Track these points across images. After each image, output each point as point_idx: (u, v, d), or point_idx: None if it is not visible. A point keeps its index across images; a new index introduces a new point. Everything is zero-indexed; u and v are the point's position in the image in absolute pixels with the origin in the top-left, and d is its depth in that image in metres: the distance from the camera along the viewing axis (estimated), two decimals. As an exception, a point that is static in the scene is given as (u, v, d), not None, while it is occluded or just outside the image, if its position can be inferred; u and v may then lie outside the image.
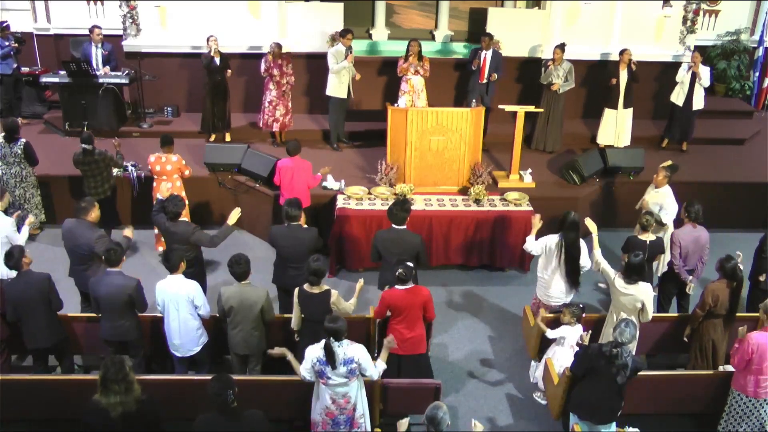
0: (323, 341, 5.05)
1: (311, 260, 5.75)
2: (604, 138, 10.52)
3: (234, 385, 4.56)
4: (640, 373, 5.48)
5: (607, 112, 10.42)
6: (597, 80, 10.59)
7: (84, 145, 7.98)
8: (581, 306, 6.34)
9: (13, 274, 6.86)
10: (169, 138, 8.13)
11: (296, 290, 5.86)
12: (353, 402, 5.26)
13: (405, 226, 6.77)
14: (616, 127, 10.42)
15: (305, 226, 6.80)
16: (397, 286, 5.85)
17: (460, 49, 11.75)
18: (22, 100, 10.89)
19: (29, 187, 8.70)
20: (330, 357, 5.00)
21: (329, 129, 10.40)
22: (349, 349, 5.06)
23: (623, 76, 10.15)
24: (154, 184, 8.22)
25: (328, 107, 10.24)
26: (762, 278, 7.03)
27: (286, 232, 6.67)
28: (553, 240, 6.71)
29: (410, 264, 5.89)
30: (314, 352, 5.10)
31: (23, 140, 8.49)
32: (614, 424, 5.54)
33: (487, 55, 10.10)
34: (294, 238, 6.63)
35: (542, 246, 6.76)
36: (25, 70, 11.04)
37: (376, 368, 5.23)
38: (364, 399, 5.39)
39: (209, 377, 5.71)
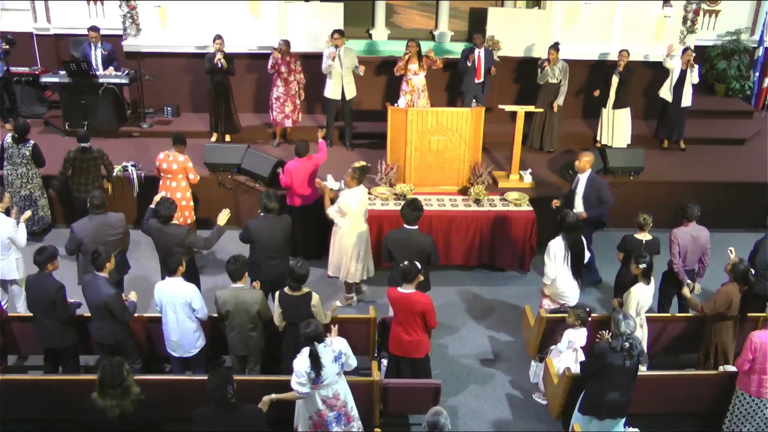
0: (306, 349, 5.03)
1: (295, 265, 5.76)
2: (600, 136, 10.60)
3: (232, 380, 4.59)
4: (643, 373, 5.51)
5: (602, 111, 10.50)
6: (596, 81, 10.57)
7: (83, 144, 8.00)
8: (588, 309, 6.31)
9: (10, 275, 6.88)
10: (180, 137, 8.08)
11: (277, 293, 5.88)
12: (343, 398, 5.27)
13: (416, 227, 6.77)
14: (608, 127, 10.45)
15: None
16: (399, 288, 5.84)
17: (458, 49, 11.72)
18: (21, 100, 10.86)
19: (36, 189, 8.67)
20: (315, 362, 4.98)
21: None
22: (335, 345, 5.12)
23: (615, 77, 10.17)
24: (160, 182, 8.21)
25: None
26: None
27: (261, 222, 6.74)
28: (559, 245, 6.70)
29: (418, 264, 5.85)
30: (303, 363, 5.05)
31: (32, 142, 8.50)
32: (623, 421, 5.57)
33: (480, 54, 10.11)
34: (270, 227, 6.69)
35: (553, 255, 6.72)
36: (25, 70, 11.03)
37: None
38: (349, 392, 5.40)
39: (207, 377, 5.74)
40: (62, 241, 7.41)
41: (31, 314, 6.19)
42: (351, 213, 7.29)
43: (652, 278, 6.34)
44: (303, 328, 5.03)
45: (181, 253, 6.07)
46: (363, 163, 7.75)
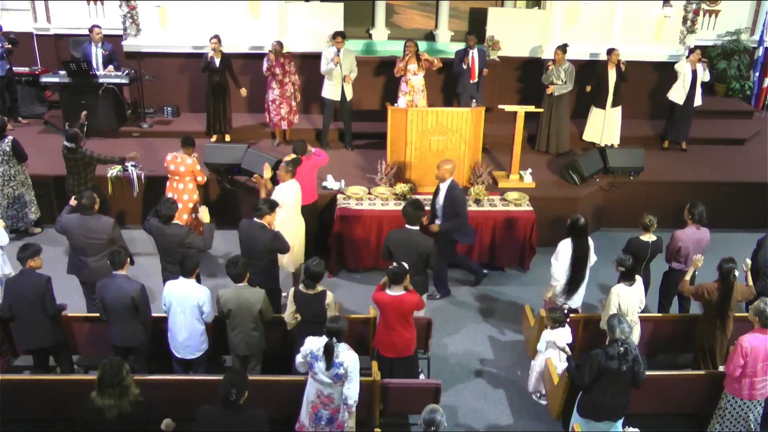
0: (326, 338, 5.08)
1: (311, 264, 5.78)
2: (588, 136, 10.54)
3: (242, 385, 4.62)
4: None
5: (595, 111, 10.43)
6: (585, 80, 10.56)
7: (66, 143, 7.96)
8: (565, 311, 6.38)
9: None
10: (188, 139, 8.07)
11: (291, 290, 5.92)
12: (336, 404, 5.27)
13: (418, 227, 6.76)
14: (603, 126, 10.41)
15: (268, 225, 6.70)
16: (387, 291, 5.83)
17: (455, 49, 11.71)
18: (19, 100, 10.86)
19: (19, 186, 8.63)
20: (329, 357, 5.04)
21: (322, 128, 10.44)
22: (343, 354, 5.10)
23: (612, 76, 10.13)
24: (167, 183, 8.18)
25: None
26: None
27: (247, 226, 6.70)
28: (567, 248, 6.68)
29: (405, 264, 5.87)
30: (312, 344, 5.14)
31: (10, 137, 8.45)
32: (621, 421, 5.57)
33: (474, 54, 10.11)
34: (250, 233, 6.65)
35: (561, 257, 6.70)
36: (25, 70, 11.03)
37: (357, 391, 5.21)
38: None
39: (209, 377, 5.75)
40: (55, 241, 7.43)
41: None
42: (287, 207, 7.35)
43: (638, 279, 6.30)
44: (329, 321, 5.12)
45: (196, 254, 6.05)
46: (294, 156, 7.84)
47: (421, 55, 9.96)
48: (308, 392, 5.35)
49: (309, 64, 10.53)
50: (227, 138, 10.22)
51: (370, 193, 8.75)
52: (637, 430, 5.56)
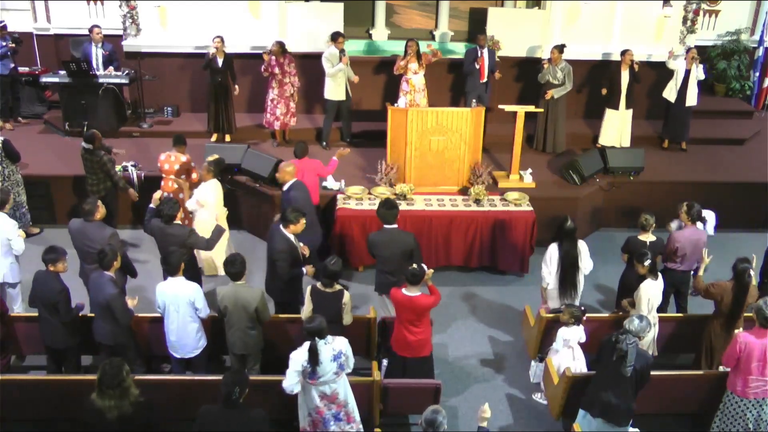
0: (306, 343, 5.07)
1: (328, 263, 5.82)
2: (606, 139, 10.49)
3: (244, 384, 4.65)
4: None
5: (609, 113, 10.40)
6: (598, 80, 10.57)
7: (83, 144, 7.97)
8: (582, 308, 6.36)
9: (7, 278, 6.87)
10: (180, 138, 8.10)
11: (309, 287, 5.96)
12: (343, 397, 5.31)
13: (396, 225, 6.78)
14: (618, 128, 10.41)
15: (291, 236, 6.55)
16: (403, 291, 5.84)
17: (459, 49, 11.74)
18: (21, 100, 10.86)
19: (14, 186, 8.60)
20: (313, 357, 5.04)
21: (322, 128, 10.43)
22: (336, 344, 5.15)
23: (625, 77, 10.13)
24: (162, 182, 8.19)
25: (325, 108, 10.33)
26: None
27: (271, 231, 6.68)
28: (554, 251, 6.72)
29: (424, 267, 5.88)
30: (301, 356, 5.11)
31: (1, 138, 8.44)
32: (628, 426, 5.55)
33: (484, 54, 10.12)
34: (270, 240, 6.63)
35: (548, 260, 6.74)
36: (25, 70, 11.04)
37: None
38: (351, 394, 5.44)
39: (208, 377, 5.75)
40: (56, 241, 7.39)
41: (34, 314, 6.19)
42: (209, 205, 7.39)
43: (660, 275, 6.38)
44: (306, 323, 5.09)
45: (181, 252, 6.05)
46: (217, 156, 7.86)
47: (423, 56, 9.96)
48: (306, 402, 5.34)
49: (309, 64, 10.53)
50: (227, 138, 10.22)
51: (370, 193, 8.75)
52: (636, 430, 5.56)
